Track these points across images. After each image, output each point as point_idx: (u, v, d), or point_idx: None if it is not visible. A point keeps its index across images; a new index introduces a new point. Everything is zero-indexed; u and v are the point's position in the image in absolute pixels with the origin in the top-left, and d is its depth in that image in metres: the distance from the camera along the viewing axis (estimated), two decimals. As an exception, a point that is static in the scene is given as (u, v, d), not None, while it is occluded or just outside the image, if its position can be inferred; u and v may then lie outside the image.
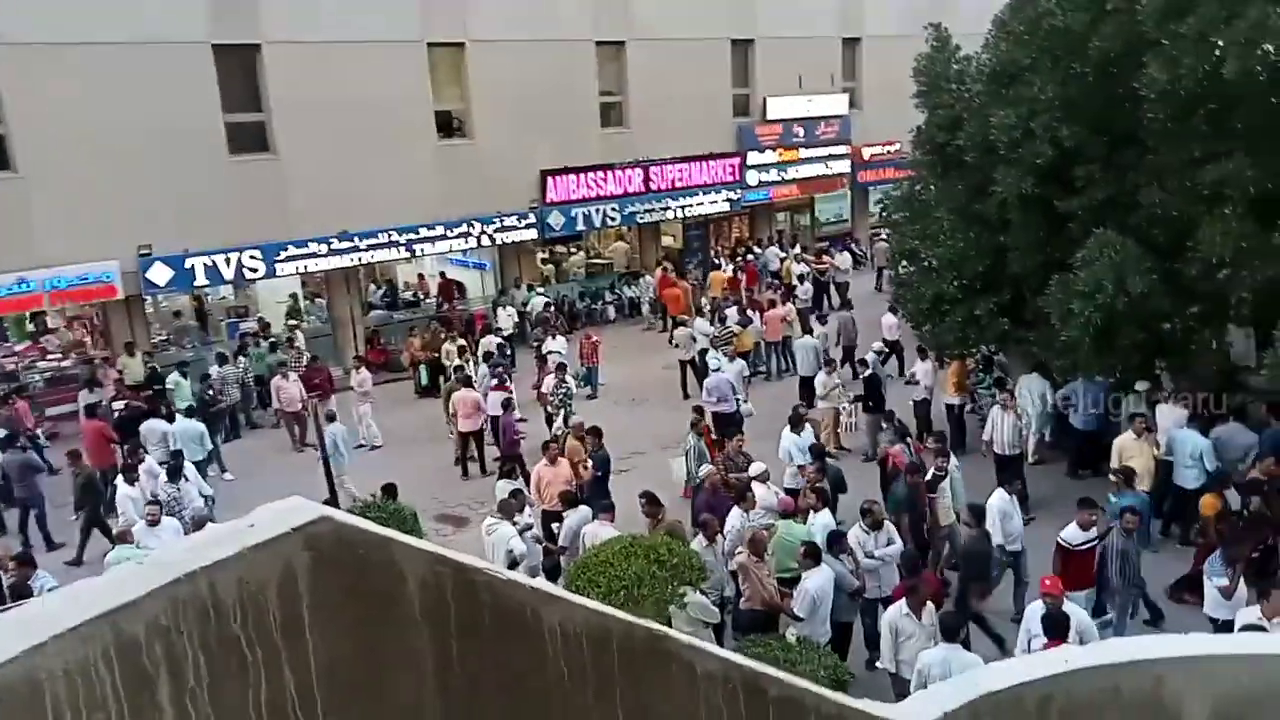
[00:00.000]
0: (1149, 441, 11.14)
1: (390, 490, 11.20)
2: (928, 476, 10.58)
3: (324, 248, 20.03)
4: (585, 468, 12.25)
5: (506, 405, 15.02)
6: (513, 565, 9.78)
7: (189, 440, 14.20)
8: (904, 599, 7.95)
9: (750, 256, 26.40)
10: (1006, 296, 13.45)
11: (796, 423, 12.47)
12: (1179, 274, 11.55)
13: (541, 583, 2.44)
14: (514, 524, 10.04)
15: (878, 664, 8.21)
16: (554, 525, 11.27)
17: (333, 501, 11.32)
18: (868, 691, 8.72)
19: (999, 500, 9.96)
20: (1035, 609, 7.78)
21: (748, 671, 2.51)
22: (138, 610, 1.70)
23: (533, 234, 23.31)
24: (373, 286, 24.15)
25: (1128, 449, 11.20)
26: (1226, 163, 10.76)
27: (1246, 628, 7.07)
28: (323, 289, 22.05)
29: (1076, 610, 7.50)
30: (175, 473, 12.34)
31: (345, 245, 20.26)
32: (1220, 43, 10.55)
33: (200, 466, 14.17)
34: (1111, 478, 10.66)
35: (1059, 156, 12.19)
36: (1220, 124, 11.21)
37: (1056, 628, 7.07)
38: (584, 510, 10.69)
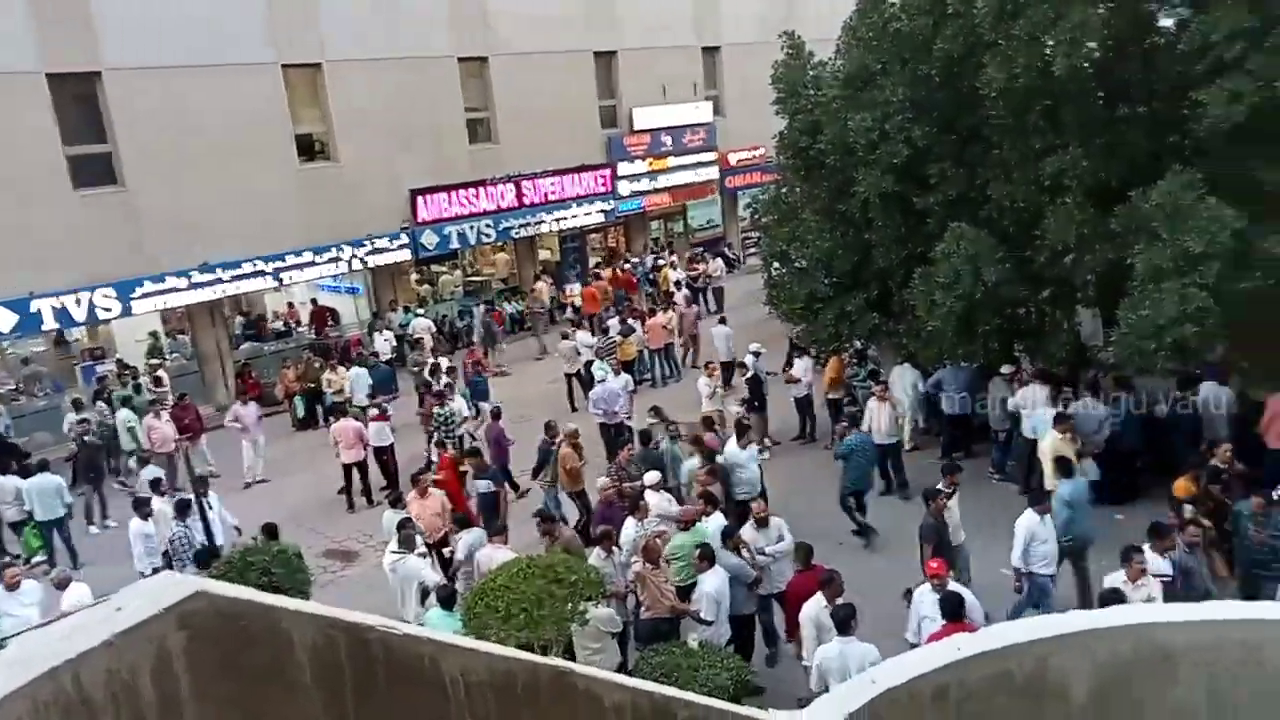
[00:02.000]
0: (1070, 440, 11.04)
1: (271, 530, 10.73)
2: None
3: (184, 281, 19.11)
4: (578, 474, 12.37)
5: (497, 414, 14.73)
6: (425, 595, 9.54)
7: (45, 496, 13.26)
8: (820, 594, 7.97)
9: (628, 265, 26.60)
10: (874, 291, 13.97)
11: (741, 434, 12.00)
12: (1029, 262, 12.23)
13: (436, 632, 2.38)
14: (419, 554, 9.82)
15: (802, 661, 8.19)
16: (446, 551, 11.09)
17: (213, 551, 10.76)
18: (772, 687, 8.94)
19: (1028, 520, 9.28)
20: (925, 593, 8.05)
21: (657, 698, 2.52)
22: (-7, 716, 1.57)
23: (406, 255, 22.84)
24: (239, 318, 23.19)
25: (1058, 450, 10.89)
26: (1064, 155, 11.47)
27: (1109, 591, 7.49)
28: (186, 324, 21.02)
29: (967, 593, 7.80)
30: (183, 509, 11.34)
31: (207, 277, 19.38)
32: (1050, 42, 11.26)
33: (60, 524, 13.29)
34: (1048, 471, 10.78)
35: (913, 155, 12.75)
36: (1055, 119, 11.93)
37: (952, 610, 7.34)
38: (477, 531, 10.52)
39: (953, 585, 7.85)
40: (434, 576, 9.65)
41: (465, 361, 18.99)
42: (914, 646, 7.94)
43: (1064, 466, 10.23)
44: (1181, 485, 9.95)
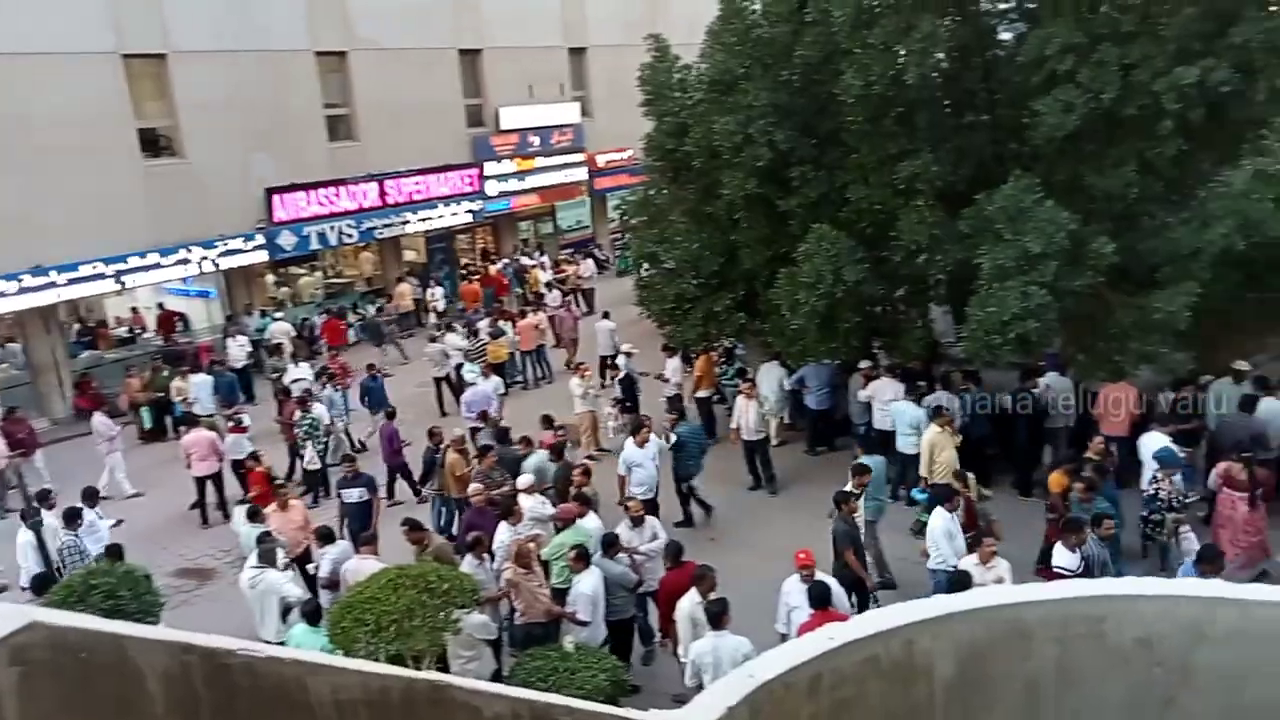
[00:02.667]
0: (951, 433, 11.31)
1: (115, 552, 10.04)
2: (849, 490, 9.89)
3: (13, 285, 17.71)
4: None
5: (391, 415, 14.25)
6: (287, 611, 9.13)
7: None
8: (694, 589, 8.02)
9: (499, 267, 26.33)
10: (741, 292, 14.26)
11: (636, 430, 11.85)
12: (885, 261, 12.76)
13: (303, 653, 2.26)
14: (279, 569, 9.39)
15: (679, 656, 8.23)
16: (310, 567, 10.67)
17: (49, 576, 10.00)
18: (648, 685, 9.00)
19: (942, 520, 9.30)
20: (793, 583, 8.25)
21: (538, 705, 2.48)
22: None
23: (262, 256, 21.87)
24: (76, 325, 21.68)
25: (938, 443, 11.17)
26: (916, 160, 12.02)
27: (960, 574, 7.88)
28: (16, 332, 19.47)
29: (834, 582, 8.05)
30: (72, 518, 10.83)
31: (40, 281, 18.01)
32: (902, 52, 11.78)
33: None
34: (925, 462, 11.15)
35: (776, 158, 13.08)
36: (908, 125, 12.50)
37: (819, 599, 7.56)
38: (342, 544, 10.18)
39: (820, 575, 8.08)
40: (296, 591, 9.26)
41: (329, 366, 18.31)
42: (784, 637, 8.16)
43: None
44: (1056, 479, 10.20)
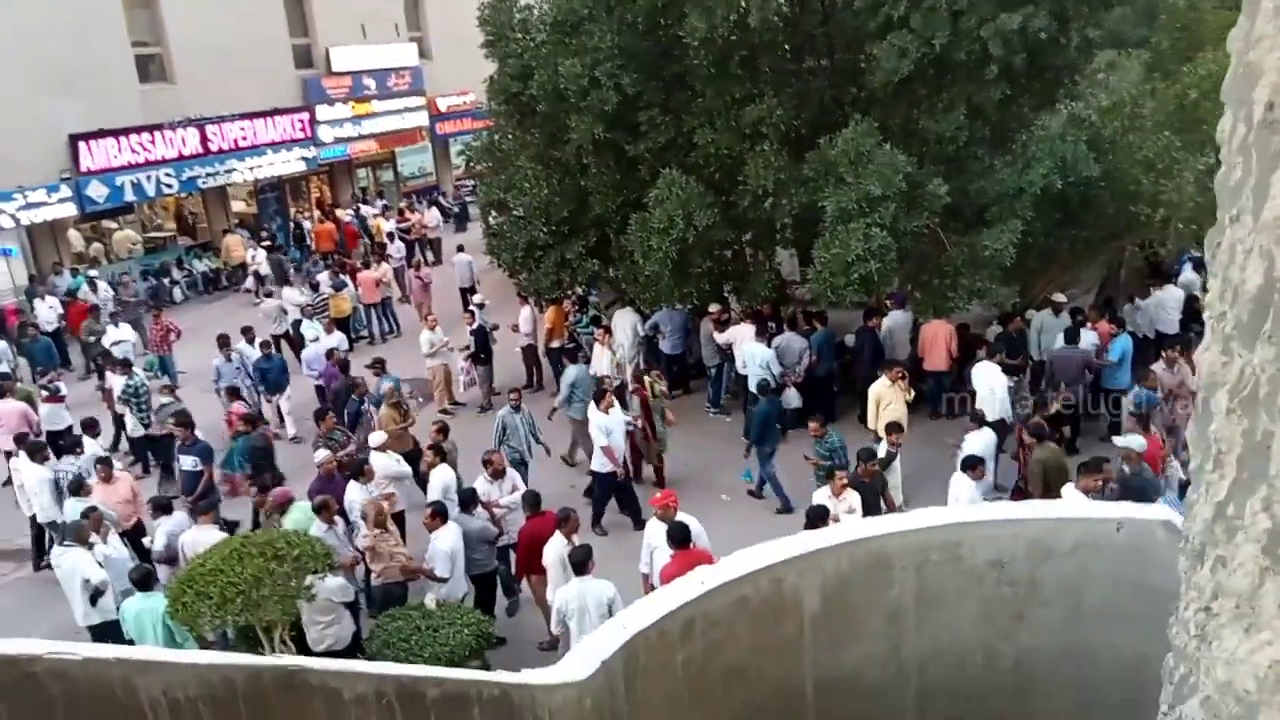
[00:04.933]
0: (902, 388, 11.13)
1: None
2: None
3: None
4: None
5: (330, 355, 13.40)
6: (96, 596, 8.49)
7: None
8: (558, 535, 7.97)
9: (346, 216, 25.13)
10: (593, 238, 14.14)
11: (599, 398, 11.04)
12: (734, 206, 12.90)
13: (127, 650, 2.01)
14: (90, 547, 8.67)
15: (549, 600, 8.14)
16: (146, 541, 9.99)
17: None
18: (513, 635, 8.96)
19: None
20: (654, 525, 8.32)
21: (404, 680, 2.34)
22: None
23: (71, 209, 20.02)
24: None
25: (884, 396, 11.07)
26: (760, 104, 12.13)
27: (815, 508, 8.15)
28: None
29: (694, 520, 8.16)
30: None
31: None
32: (746, -6, 11.78)
33: None
34: (876, 429, 10.85)
35: (623, 103, 12.91)
36: (753, 68, 12.57)
37: (679, 539, 7.65)
38: (178, 515, 9.55)
39: (681, 515, 8.17)
40: (99, 574, 8.51)
41: (151, 328, 17.05)
42: (646, 577, 8.26)
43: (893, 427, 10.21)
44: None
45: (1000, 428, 10.65)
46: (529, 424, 11.39)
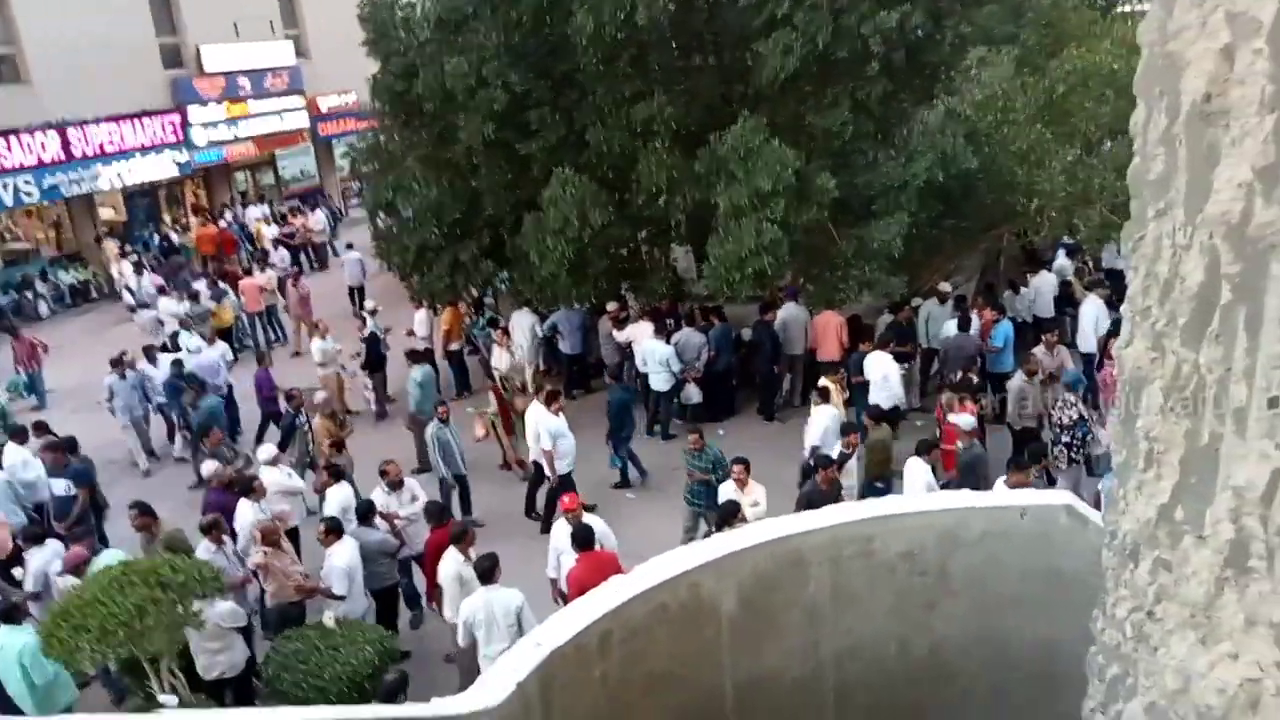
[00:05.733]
0: (840, 389, 10.86)
1: None
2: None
3: None
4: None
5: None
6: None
7: None
8: (452, 551, 7.76)
9: (223, 222, 24.06)
10: (487, 239, 13.90)
11: (551, 399, 10.61)
12: (628, 204, 12.88)
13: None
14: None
15: (448, 618, 7.93)
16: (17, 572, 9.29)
17: None
18: (418, 648, 8.71)
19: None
20: (560, 527, 8.22)
21: None
22: None
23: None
24: None
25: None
26: (651, 102, 12.13)
27: (729, 503, 8.15)
28: None
29: (599, 522, 8.09)
30: None
31: None
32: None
33: None
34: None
35: (512, 101, 12.73)
36: (642, 66, 12.56)
37: (582, 541, 7.57)
38: (52, 545, 8.92)
39: (588, 517, 8.10)
40: None
41: (15, 346, 15.95)
42: (554, 582, 8.15)
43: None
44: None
45: (894, 414, 10.96)
46: (456, 436, 10.87)
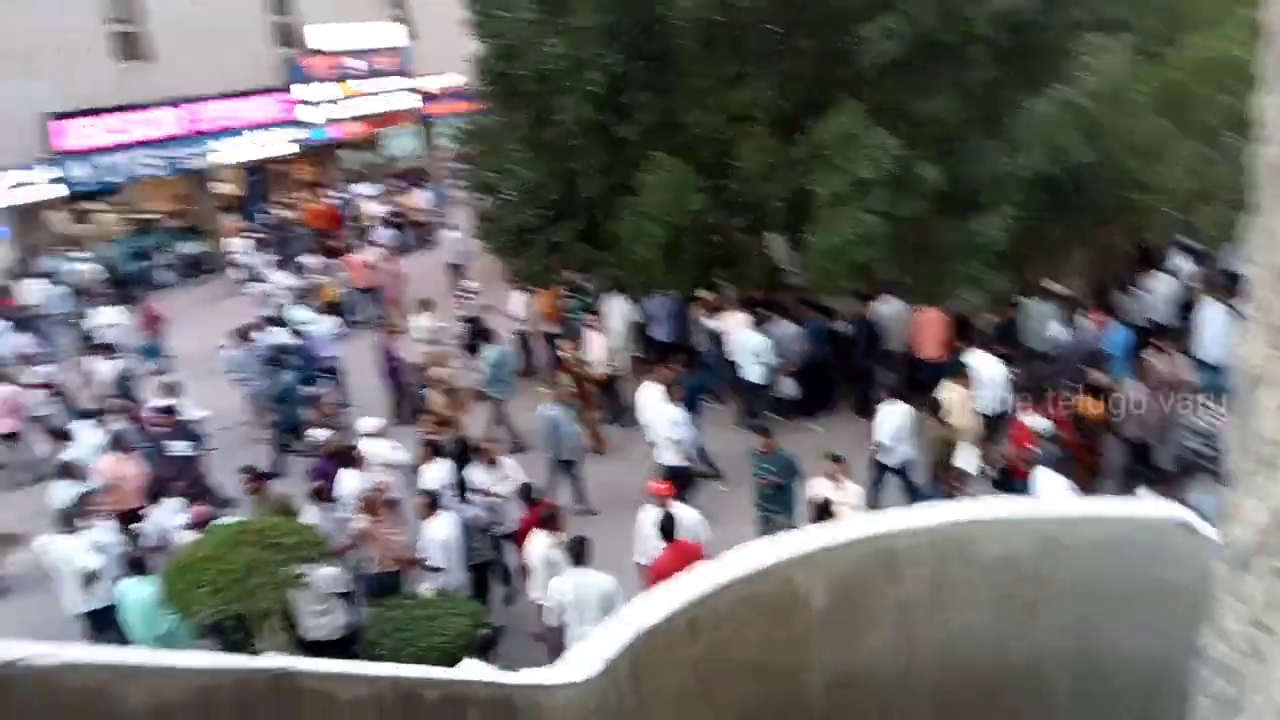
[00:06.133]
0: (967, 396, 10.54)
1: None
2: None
3: None
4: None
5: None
6: (91, 580, 8.38)
7: None
8: (544, 531, 7.93)
9: (332, 199, 24.86)
10: (584, 222, 13.97)
11: (673, 389, 10.75)
12: (724, 189, 12.74)
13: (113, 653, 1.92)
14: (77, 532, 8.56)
15: (535, 599, 8.14)
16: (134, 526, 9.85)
17: None
18: (511, 624, 8.91)
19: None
20: (649, 513, 8.24)
21: (402, 683, 2.28)
22: None
23: (59, 190, 19.71)
24: None
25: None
26: (750, 85, 11.96)
27: (823, 501, 7.98)
28: None
29: (689, 511, 8.09)
30: None
31: None
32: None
33: None
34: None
35: (610, 83, 12.70)
36: (740, 48, 12.37)
37: (665, 531, 7.60)
38: (172, 503, 9.44)
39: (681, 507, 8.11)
40: (93, 561, 8.40)
41: (141, 315, 16.82)
42: (643, 567, 8.20)
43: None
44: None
45: (998, 419, 10.53)
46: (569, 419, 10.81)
